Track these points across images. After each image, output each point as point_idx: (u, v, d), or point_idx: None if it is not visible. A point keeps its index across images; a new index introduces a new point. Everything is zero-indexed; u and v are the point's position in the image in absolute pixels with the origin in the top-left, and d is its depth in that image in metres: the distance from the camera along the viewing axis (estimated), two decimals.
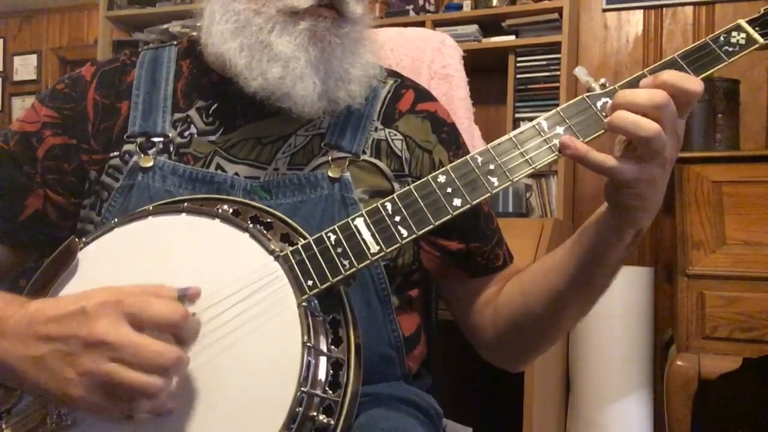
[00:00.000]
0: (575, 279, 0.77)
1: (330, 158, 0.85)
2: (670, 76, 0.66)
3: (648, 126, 0.64)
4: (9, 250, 0.87)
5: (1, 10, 4.24)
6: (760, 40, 0.71)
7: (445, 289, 0.94)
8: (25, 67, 4.23)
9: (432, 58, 1.53)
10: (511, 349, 0.89)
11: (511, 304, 0.85)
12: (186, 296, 0.67)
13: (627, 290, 2.28)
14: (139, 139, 0.85)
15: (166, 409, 0.63)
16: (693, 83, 0.66)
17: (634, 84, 0.70)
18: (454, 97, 1.55)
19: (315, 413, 0.64)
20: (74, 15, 4.14)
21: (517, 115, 2.63)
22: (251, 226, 0.72)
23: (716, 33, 0.72)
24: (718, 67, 0.72)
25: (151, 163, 0.82)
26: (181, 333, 0.64)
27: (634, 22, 2.70)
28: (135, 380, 0.60)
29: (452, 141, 0.92)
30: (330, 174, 0.83)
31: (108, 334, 0.60)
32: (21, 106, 4.18)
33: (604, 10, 2.73)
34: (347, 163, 0.85)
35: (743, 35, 0.72)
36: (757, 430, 2.32)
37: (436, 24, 2.69)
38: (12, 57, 4.27)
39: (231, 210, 0.74)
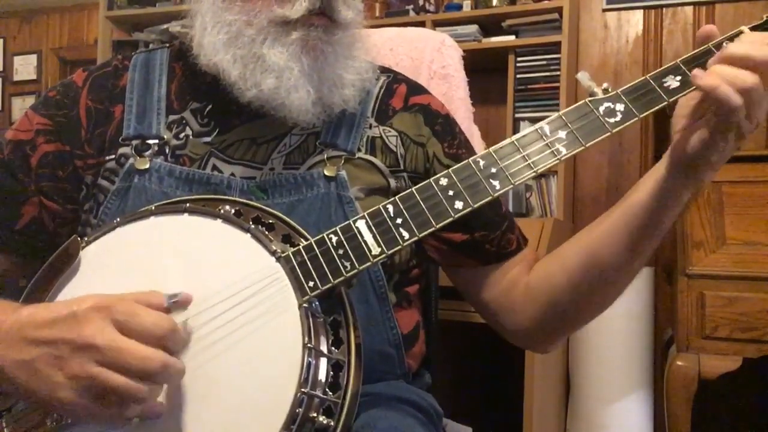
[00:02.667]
0: (627, 248, 0.77)
1: (325, 157, 0.85)
2: (756, 36, 0.67)
3: (748, 76, 0.64)
4: (7, 258, 0.88)
5: (1, 10, 4.24)
6: None
7: (459, 279, 0.93)
8: (25, 67, 4.23)
9: (432, 58, 1.53)
10: (548, 329, 0.88)
11: (552, 282, 0.84)
12: (176, 303, 0.67)
13: (627, 290, 2.27)
14: (134, 142, 0.85)
15: (155, 412, 0.64)
16: None
17: (637, 89, 0.71)
18: (454, 97, 1.55)
19: (315, 414, 0.65)
20: (74, 15, 4.14)
21: (517, 115, 2.63)
22: (253, 226, 0.72)
23: (719, 39, 0.72)
24: None
25: (147, 165, 0.83)
26: (167, 345, 0.64)
27: (634, 22, 2.70)
28: (121, 384, 0.60)
29: (446, 132, 0.92)
30: (326, 173, 0.83)
31: (96, 338, 0.61)
32: (21, 106, 4.18)
33: (604, 10, 2.73)
34: (342, 161, 0.85)
35: None
36: (757, 430, 2.32)
37: (436, 24, 2.69)
38: (12, 57, 4.27)
39: (233, 210, 0.74)
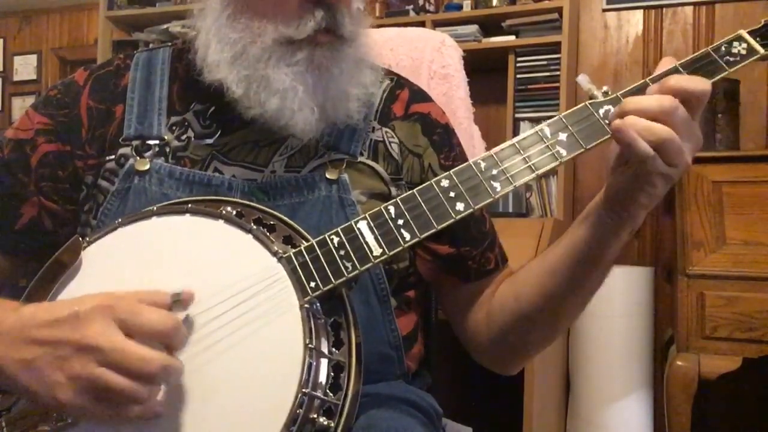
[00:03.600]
0: (570, 281, 0.77)
1: (327, 160, 0.85)
2: (676, 80, 0.67)
3: (660, 130, 0.64)
4: (6, 258, 0.88)
5: (1, 10, 4.24)
6: (761, 50, 0.72)
7: (442, 294, 0.94)
8: (25, 67, 4.22)
9: (432, 58, 1.53)
10: (505, 352, 0.89)
11: (505, 307, 0.85)
12: (179, 300, 0.67)
13: (627, 290, 2.28)
14: (134, 142, 0.84)
15: (155, 413, 0.63)
16: (700, 84, 0.67)
17: (637, 92, 0.71)
18: (454, 97, 1.55)
19: (315, 415, 0.65)
20: (74, 15, 4.14)
21: (517, 115, 2.63)
22: (254, 227, 0.72)
23: (717, 43, 0.73)
24: (720, 76, 0.73)
25: (147, 167, 0.82)
26: (171, 342, 0.64)
27: (634, 22, 2.70)
28: (121, 385, 0.60)
29: (444, 143, 0.91)
30: (327, 176, 0.83)
31: (98, 339, 0.61)
32: (21, 106, 4.18)
33: (604, 10, 2.74)
34: (344, 164, 0.85)
35: (744, 45, 0.73)
36: (757, 430, 2.32)
37: (436, 24, 2.69)
38: (12, 57, 4.27)
39: (234, 212, 0.74)
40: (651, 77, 0.72)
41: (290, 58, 0.78)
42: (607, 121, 0.71)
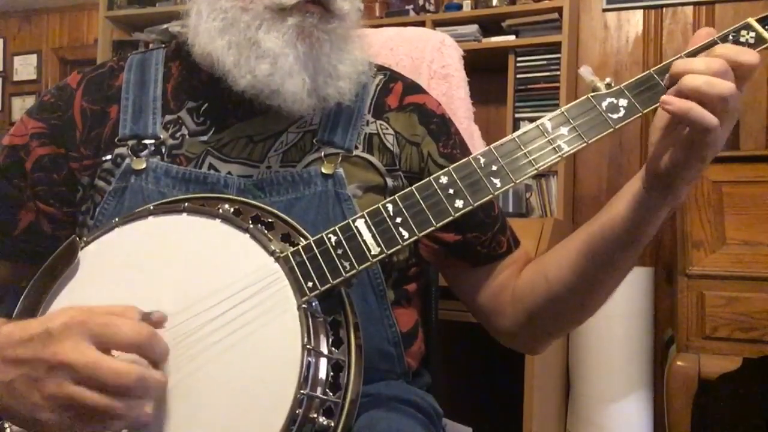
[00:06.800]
0: (606, 262, 0.77)
1: (322, 154, 0.85)
2: (724, 50, 0.65)
3: (723, 85, 0.62)
4: (7, 265, 0.88)
5: (1, 10, 4.24)
6: None
7: (451, 279, 0.94)
8: (25, 67, 4.23)
9: (432, 57, 1.53)
10: (533, 333, 0.88)
11: (535, 289, 0.84)
12: (149, 321, 0.65)
13: (627, 290, 2.28)
14: (130, 142, 0.84)
15: (142, 423, 0.62)
16: (748, 55, 0.64)
17: (641, 82, 0.70)
18: (454, 97, 1.55)
19: (315, 415, 0.64)
20: (74, 15, 4.14)
21: (517, 115, 2.63)
22: (252, 226, 0.72)
23: (725, 31, 0.70)
24: None
25: (143, 166, 0.82)
26: (147, 354, 0.63)
27: (634, 22, 2.70)
28: (97, 402, 0.59)
29: (442, 132, 0.91)
30: (323, 170, 0.83)
31: (70, 356, 0.60)
32: (21, 106, 4.18)
33: (604, 10, 2.73)
34: (340, 159, 0.85)
35: (753, 34, 0.70)
36: (757, 430, 2.32)
37: (436, 24, 2.69)
38: (12, 57, 4.27)
39: (232, 209, 0.74)
40: (655, 68, 0.70)
41: (280, 25, 0.79)
42: (609, 115, 0.69)
